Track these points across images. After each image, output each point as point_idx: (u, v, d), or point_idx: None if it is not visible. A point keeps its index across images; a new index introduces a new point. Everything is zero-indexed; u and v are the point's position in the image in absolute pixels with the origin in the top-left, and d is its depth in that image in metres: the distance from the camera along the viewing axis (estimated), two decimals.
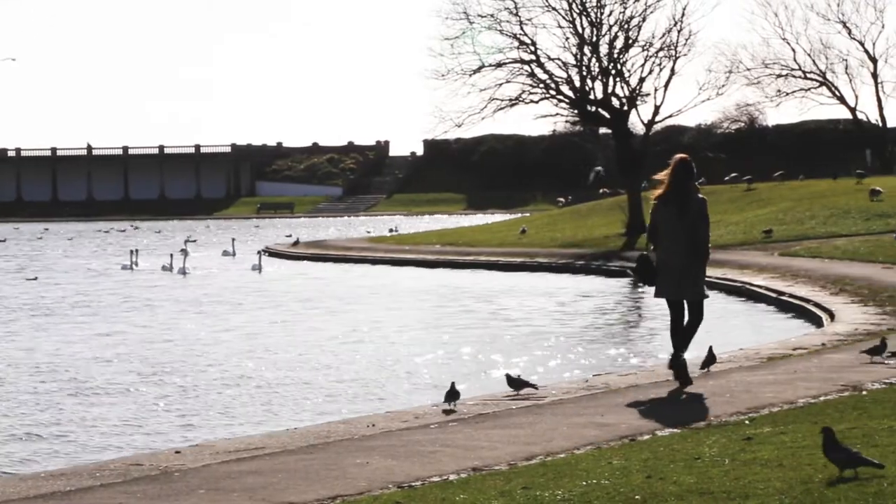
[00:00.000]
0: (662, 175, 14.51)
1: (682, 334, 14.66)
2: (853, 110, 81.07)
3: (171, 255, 51.59)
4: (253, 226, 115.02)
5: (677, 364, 14.61)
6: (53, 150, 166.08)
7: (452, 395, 13.60)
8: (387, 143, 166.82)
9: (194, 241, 71.68)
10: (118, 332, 28.39)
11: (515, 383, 14.81)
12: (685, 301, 14.64)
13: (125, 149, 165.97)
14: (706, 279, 14.89)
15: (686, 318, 14.68)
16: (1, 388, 20.12)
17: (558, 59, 53.97)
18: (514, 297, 35.02)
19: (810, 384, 14.46)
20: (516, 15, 53.51)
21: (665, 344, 24.16)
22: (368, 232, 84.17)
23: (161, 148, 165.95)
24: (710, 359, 16.09)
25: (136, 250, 56.97)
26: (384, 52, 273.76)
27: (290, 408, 17.73)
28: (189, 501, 9.56)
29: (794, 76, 79.21)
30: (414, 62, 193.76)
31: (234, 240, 67.95)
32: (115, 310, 33.94)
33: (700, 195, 14.45)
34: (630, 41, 53.80)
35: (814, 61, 79.33)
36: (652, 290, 14.91)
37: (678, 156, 14.66)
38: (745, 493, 8.58)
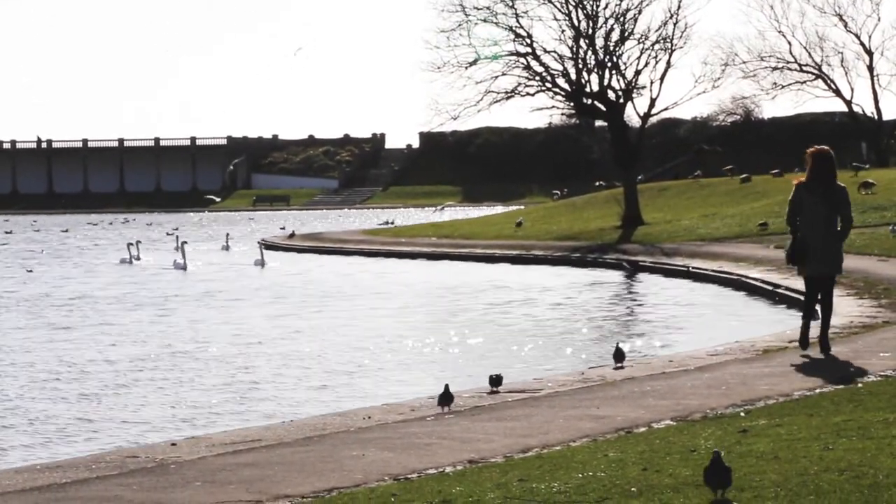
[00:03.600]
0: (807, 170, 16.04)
1: (823, 312, 16.28)
2: (849, 103, 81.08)
3: (182, 251, 49.06)
4: (248, 218, 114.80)
5: (807, 334, 16.35)
6: (49, 142, 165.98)
7: (446, 398, 13.20)
8: (383, 135, 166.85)
9: (175, 232, 70.75)
10: (114, 325, 28.37)
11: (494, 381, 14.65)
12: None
13: (121, 141, 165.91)
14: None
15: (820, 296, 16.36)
16: None
17: (554, 51, 53.95)
18: (509, 290, 35.01)
19: (806, 376, 14.49)
20: (512, 7, 53.50)
21: (661, 335, 24.23)
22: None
23: (157, 140, 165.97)
24: (620, 354, 16.48)
25: (138, 242, 55.98)
26: (380, 44, 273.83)
27: (286, 400, 17.73)
28: (185, 494, 9.56)
29: (789, 69, 79.23)
30: (410, 54, 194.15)
31: (228, 234, 67.14)
32: (114, 304, 33.90)
33: (840, 184, 15.94)
34: (626, 34, 53.76)
35: (809, 54, 79.39)
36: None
37: (820, 148, 16.12)
38: (741, 486, 8.59)
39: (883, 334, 18.29)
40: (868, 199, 48.28)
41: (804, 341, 16.47)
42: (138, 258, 51.91)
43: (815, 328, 16.53)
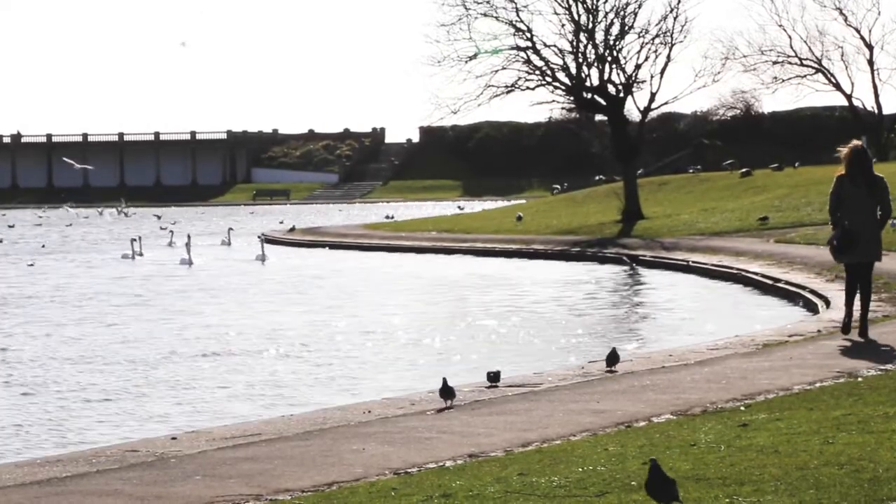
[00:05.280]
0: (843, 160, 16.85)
1: (862, 299, 17.08)
2: (849, 97, 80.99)
3: (188, 246, 48.73)
4: (248, 212, 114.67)
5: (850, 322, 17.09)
6: (49, 136, 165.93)
7: (447, 391, 13.11)
8: (382, 129, 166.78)
9: (171, 226, 70.27)
10: (116, 320, 28.39)
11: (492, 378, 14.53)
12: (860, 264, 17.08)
13: (121, 135, 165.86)
14: None
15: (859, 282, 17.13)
16: None
17: (554, 45, 53.90)
18: (510, 284, 35.03)
19: (806, 371, 14.49)
20: (512, 1, 53.45)
21: (661, 329, 24.25)
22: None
23: (157, 134, 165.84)
24: (614, 357, 15.69)
25: (140, 238, 55.78)
26: (380, 38, 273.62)
27: (286, 394, 17.74)
28: (185, 487, 9.56)
29: (790, 63, 79.06)
30: (410, 49, 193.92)
31: (230, 229, 66.29)
32: (117, 299, 33.88)
33: (880, 175, 16.86)
34: (626, 28, 53.71)
35: (810, 48, 79.22)
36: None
37: (856, 144, 16.95)
38: (741, 480, 8.60)
39: (882, 328, 18.29)
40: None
41: (847, 327, 17.20)
42: (140, 254, 51.89)
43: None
